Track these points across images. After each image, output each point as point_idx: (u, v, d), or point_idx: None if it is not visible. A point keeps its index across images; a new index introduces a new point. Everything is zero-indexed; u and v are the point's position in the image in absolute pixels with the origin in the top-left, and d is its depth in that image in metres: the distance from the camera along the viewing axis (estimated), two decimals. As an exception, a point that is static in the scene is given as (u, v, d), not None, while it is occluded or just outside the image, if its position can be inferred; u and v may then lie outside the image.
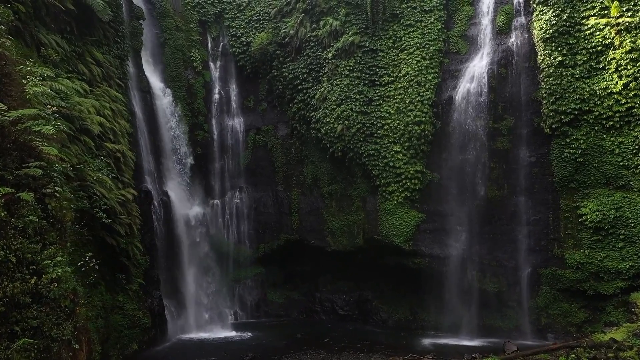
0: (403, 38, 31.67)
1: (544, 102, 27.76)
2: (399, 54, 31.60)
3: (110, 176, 19.47)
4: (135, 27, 30.62)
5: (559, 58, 27.31)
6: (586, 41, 27.03)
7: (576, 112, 26.95)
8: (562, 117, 27.17)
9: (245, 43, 35.99)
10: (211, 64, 36.34)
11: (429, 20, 31.49)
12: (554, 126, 27.46)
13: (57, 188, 11.36)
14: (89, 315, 19.62)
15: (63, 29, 21.64)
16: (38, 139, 11.47)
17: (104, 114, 22.34)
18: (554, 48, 27.52)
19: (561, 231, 27.66)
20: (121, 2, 28.10)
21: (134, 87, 29.46)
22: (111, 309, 22.39)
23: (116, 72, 25.68)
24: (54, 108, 13.30)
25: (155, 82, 32.07)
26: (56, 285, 10.27)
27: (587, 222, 26.60)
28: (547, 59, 27.68)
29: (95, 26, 24.18)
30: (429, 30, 31.32)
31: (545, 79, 27.68)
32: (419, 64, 30.89)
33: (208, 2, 36.22)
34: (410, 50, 31.31)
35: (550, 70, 27.51)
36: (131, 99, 28.41)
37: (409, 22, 31.74)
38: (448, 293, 30.00)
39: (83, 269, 13.71)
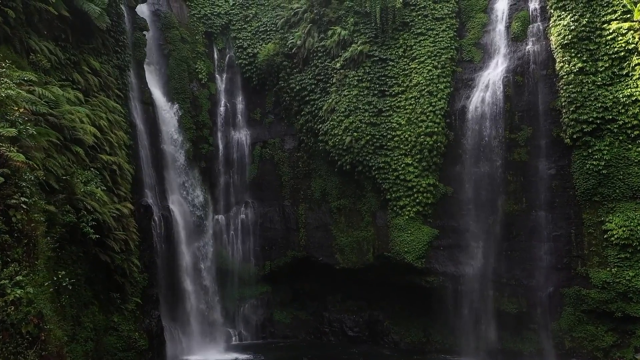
0: (414, 47, 30.58)
1: (564, 111, 26.26)
2: (410, 63, 30.47)
3: (100, 188, 18.33)
4: (138, 38, 29.88)
5: (579, 65, 25.86)
6: (608, 47, 25.53)
7: (598, 122, 25.37)
8: (584, 126, 25.60)
9: (251, 54, 35.15)
10: (217, 76, 35.53)
11: (440, 28, 30.40)
12: (574, 136, 25.90)
13: (23, 199, 10.20)
14: (80, 337, 18.46)
15: (57, 36, 20.84)
16: (3, 145, 10.38)
17: (99, 124, 21.36)
18: (573, 54, 26.10)
19: (585, 248, 25.88)
20: (123, 12, 27.39)
21: (136, 99, 28.60)
22: (104, 330, 21.08)
23: (115, 83, 24.81)
24: (22, 110, 12.23)
25: (158, 94, 31.23)
26: (13, 308, 9.05)
27: (612, 239, 24.83)
28: (566, 65, 26.24)
29: (93, 35, 23.39)
30: (441, 39, 30.22)
31: (565, 87, 26.21)
32: (431, 73, 29.70)
33: (214, 13, 35.55)
34: (422, 59, 30.16)
35: (570, 78, 26.06)
36: (132, 111, 27.51)
37: (419, 31, 30.66)
38: (464, 314, 28.43)
39: (52, 289, 12.39)
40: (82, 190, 17.02)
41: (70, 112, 18.31)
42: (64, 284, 12.63)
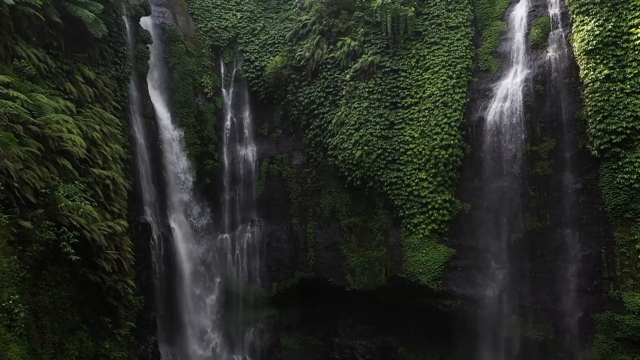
0: (427, 56, 29.20)
1: (590, 121, 24.46)
2: (423, 74, 29.06)
3: (84, 202, 16.90)
4: (141, 50, 28.99)
5: (605, 71, 24.15)
6: (636, 52, 23.85)
7: (629, 132, 23.53)
8: (612, 137, 23.75)
9: (259, 68, 34.06)
10: (223, 90, 34.42)
11: (455, 37, 29.05)
12: (602, 148, 24.03)
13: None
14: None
15: (49, 43, 19.83)
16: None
17: (92, 136, 20.18)
18: (598, 61, 24.43)
19: (617, 269, 23.74)
20: (124, 23, 26.55)
21: (137, 112, 27.53)
22: (93, 358, 19.47)
23: (113, 94, 23.74)
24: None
25: (161, 108, 30.15)
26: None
27: (648, 259, 22.71)
28: (592, 73, 24.53)
29: (89, 44, 22.42)
30: (455, 48, 28.85)
31: (590, 95, 24.46)
32: (445, 84, 28.21)
33: (221, 27, 34.63)
34: (435, 69, 28.74)
35: (596, 86, 24.32)
36: (132, 125, 26.43)
37: (433, 40, 29.34)
38: (484, 341, 26.70)
39: (23, 314, 10.87)
40: (63, 204, 15.63)
41: (57, 121, 17.09)
42: (17, 311, 11.01)
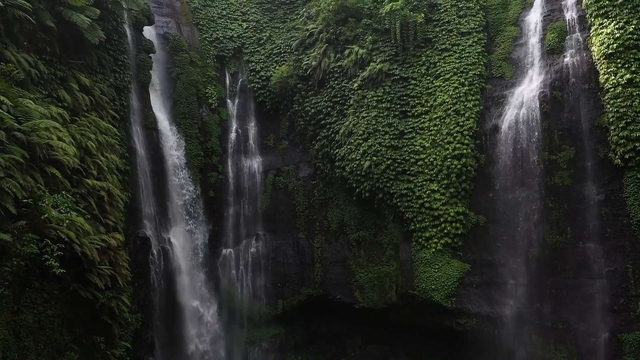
0: (438, 63, 28.18)
1: (612, 128, 23.09)
2: (434, 81, 28.00)
3: (74, 215, 15.84)
4: (143, 59, 28.28)
5: (627, 76, 22.86)
6: (661, 55, 22.54)
7: (654, 138, 22.11)
8: (637, 144, 22.35)
9: (264, 78, 33.24)
10: (228, 100, 33.59)
11: (466, 43, 28.05)
12: (626, 156, 22.61)
13: None
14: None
15: (42, 49, 19.07)
16: None
17: (86, 145, 19.27)
18: (620, 65, 23.18)
19: (645, 286, 22.15)
20: (125, 32, 25.85)
21: (137, 123, 26.70)
22: (84, 381, 18.30)
23: (110, 103, 22.92)
24: None
25: (164, 118, 29.32)
26: None
27: (679, 275, 21.13)
28: (613, 77, 23.25)
29: (86, 51, 21.66)
30: (467, 54, 27.83)
31: (612, 101, 23.14)
32: (457, 91, 27.12)
33: (227, 37, 33.96)
34: (447, 76, 27.71)
35: (618, 91, 23.01)
36: (132, 135, 25.57)
37: (444, 46, 28.36)
38: (502, 363, 24.73)
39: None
40: (46, 215, 14.60)
41: (47, 128, 16.17)
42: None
